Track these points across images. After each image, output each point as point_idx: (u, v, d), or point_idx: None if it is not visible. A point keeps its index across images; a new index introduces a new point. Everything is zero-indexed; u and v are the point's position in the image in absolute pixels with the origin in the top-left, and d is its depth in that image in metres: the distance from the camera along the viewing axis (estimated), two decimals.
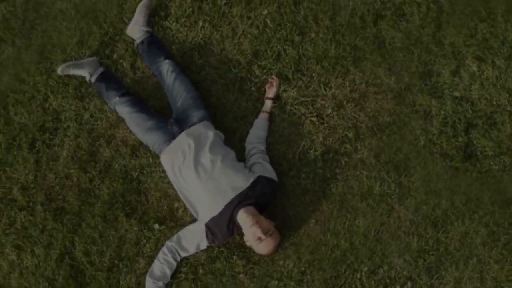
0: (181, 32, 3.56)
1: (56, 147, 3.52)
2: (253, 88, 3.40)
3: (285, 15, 3.42)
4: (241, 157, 3.24)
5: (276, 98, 3.32)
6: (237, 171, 3.06)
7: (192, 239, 3.09)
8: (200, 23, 3.53)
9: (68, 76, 3.57)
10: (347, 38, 3.32)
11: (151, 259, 3.19)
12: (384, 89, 3.24)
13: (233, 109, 3.40)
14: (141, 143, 3.40)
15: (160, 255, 3.12)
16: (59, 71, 3.47)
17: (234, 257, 3.13)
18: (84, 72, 3.46)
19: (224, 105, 3.41)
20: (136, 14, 3.47)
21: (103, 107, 3.53)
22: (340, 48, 3.32)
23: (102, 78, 3.45)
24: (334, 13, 3.37)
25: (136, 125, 3.29)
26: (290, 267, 3.07)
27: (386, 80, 3.23)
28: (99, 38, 3.62)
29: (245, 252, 3.15)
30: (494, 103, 3.12)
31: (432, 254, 3.03)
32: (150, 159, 3.38)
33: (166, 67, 3.36)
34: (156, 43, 3.47)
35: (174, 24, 3.56)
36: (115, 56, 3.60)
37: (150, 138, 3.24)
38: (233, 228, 3.02)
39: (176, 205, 3.31)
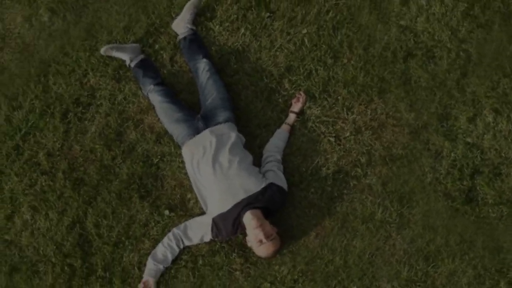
0: (222, 35, 3.61)
1: (86, 121, 3.58)
2: (280, 100, 3.44)
3: (322, 37, 3.47)
4: (258, 162, 3.27)
5: (300, 113, 3.36)
6: (251, 174, 3.10)
7: (198, 230, 3.13)
8: (242, 30, 3.58)
9: (110, 57, 3.63)
10: (376, 70, 3.37)
11: (156, 242, 3.24)
12: (402, 123, 3.28)
13: (258, 116, 3.43)
14: (166, 132, 3.44)
15: (165, 239, 3.16)
16: (102, 51, 3.54)
17: (234, 254, 3.16)
18: (125, 56, 3.53)
19: (250, 111, 3.45)
20: (184, 10, 3.54)
21: (137, 92, 3.58)
22: (368, 77, 3.36)
23: (141, 65, 3.51)
24: (369, 44, 3.42)
25: (165, 114, 3.35)
26: (284, 273, 3.11)
27: (405, 115, 3.28)
28: (145, 27, 3.68)
29: (245, 251, 3.18)
30: (503, 155, 3.20)
31: (419, 286, 3.09)
32: (172, 148, 3.42)
33: (202, 66, 3.42)
34: (197, 41, 3.53)
35: (217, 26, 3.61)
36: (157, 46, 3.66)
37: (176, 129, 3.30)
38: (238, 227, 3.06)
39: (188, 196, 3.34)
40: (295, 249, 3.18)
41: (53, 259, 3.31)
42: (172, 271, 3.19)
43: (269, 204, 3.07)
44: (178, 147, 3.38)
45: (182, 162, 3.35)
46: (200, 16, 3.67)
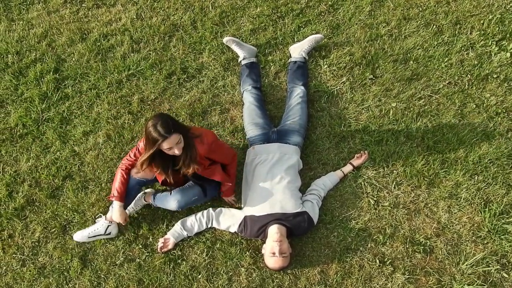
0: (326, 74, 3.87)
1: (184, 89, 3.90)
2: (345, 150, 3.63)
3: (405, 116, 3.69)
4: (303, 190, 3.45)
5: (357, 168, 3.54)
6: (292, 197, 3.27)
7: (229, 219, 3.34)
8: (344, 79, 3.84)
9: (228, 47, 3.99)
10: (436, 165, 3.51)
11: (191, 211, 3.47)
12: (435, 218, 3.38)
13: (322, 153, 3.63)
14: (242, 129, 3.69)
15: (199, 213, 3.39)
16: (224, 40, 3.90)
17: (247, 252, 3.34)
18: (240, 53, 3.87)
19: (318, 146, 3.65)
20: (305, 40, 3.87)
21: (235, 86, 3.88)
22: (427, 167, 3.52)
23: (250, 66, 3.83)
24: (440, 141, 3.57)
25: (249, 114, 3.62)
26: None
27: (441, 214, 3.39)
28: (269, 38, 4.03)
29: (257, 255, 3.35)
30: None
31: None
32: (241, 145, 3.67)
33: (298, 91, 3.69)
34: (303, 69, 3.81)
35: (325, 66, 3.89)
36: (269, 57, 3.98)
37: (252, 130, 3.56)
38: (262, 233, 3.23)
39: (235, 189, 3.50)
40: (297, 274, 3.29)
41: (103, 185, 3.61)
42: (192, 241, 3.39)
43: (295, 227, 3.23)
44: (246, 146, 3.61)
45: (243, 159, 3.56)
46: (315, 51, 3.97)
